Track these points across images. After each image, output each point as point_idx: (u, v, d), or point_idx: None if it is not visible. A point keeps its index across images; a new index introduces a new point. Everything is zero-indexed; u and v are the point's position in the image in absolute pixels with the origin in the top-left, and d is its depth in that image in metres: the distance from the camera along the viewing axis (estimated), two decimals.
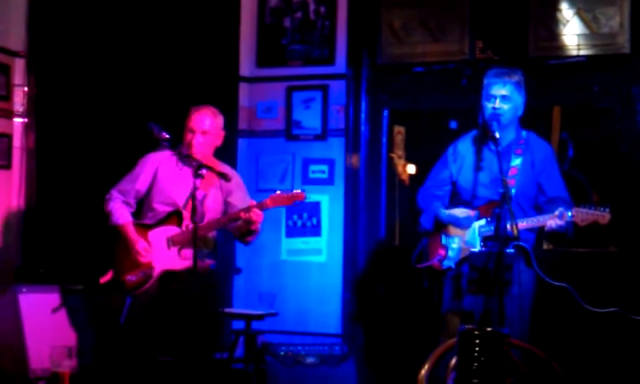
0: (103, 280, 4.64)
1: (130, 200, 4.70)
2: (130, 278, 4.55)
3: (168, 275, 4.56)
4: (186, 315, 4.48)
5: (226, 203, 4.73)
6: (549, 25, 5.61)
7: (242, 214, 4.43)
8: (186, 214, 4.51)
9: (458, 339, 2.86)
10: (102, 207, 4.69)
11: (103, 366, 4.81)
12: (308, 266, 6.02)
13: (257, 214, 4.43)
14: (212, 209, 4.65)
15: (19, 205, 6.01)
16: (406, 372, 3.84)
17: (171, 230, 4.59)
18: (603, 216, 4.07)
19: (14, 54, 5.97)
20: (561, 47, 5.60)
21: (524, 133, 4.44)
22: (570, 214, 4.09)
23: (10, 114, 5.95)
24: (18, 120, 5.98)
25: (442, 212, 4.48)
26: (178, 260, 4.55)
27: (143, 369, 4.55)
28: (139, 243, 4.56)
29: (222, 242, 5.10)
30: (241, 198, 4.71)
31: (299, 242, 6.03)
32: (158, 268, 4.55)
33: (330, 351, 5.18)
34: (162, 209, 4.64)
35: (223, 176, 4.46)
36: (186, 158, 4.47)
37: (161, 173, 4.68)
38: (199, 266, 4.44)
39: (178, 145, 4.51)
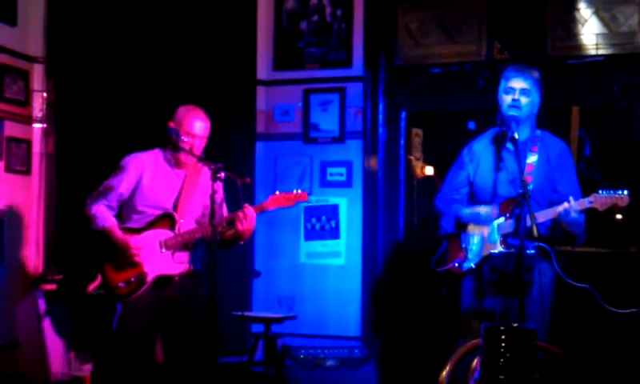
0: (92, 287, 4.42)
1: (113, 204, 4.46)
2: (121, 285, 4.33)
3: (161, 280, 4.38)
4: (186, 320, 4.36)
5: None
6: (567, 24, 5.59)
7: (241, 213, 4.25)
8: (178, 217, 4.41)
9: (484, 335, 2.83)
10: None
11: (99, 372, 4.66)
12: (327, 269, 6.01)
13: (251, 217, 4.29)
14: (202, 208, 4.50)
15: (39, 210, 6.04)
16: (426, 374, 3.83)
17: (163, 233, 4.40)
18: (622, 199, 4.01)
19: (33, 59, 6.00)
20: (579, 47, 5.57)
21: (538, 131, 4.41)
22: (589, 199, 4.04)
23: (29, 120, 5.98)
24: (37, 125, 6.01)
25: (462, 211, 4.45)
26: (173, 264, 4.39)
27: (139, 374, 4.37)
28: (131, 241, 4.33)
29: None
30: (223, 199, 4.57)
31: (318, 245, 6.03)
32: (152, 273, 4.35)
33: (350, 354, 5.15)
34: (149, 212, 4.43)
35: (242, 179, 4.42)
36: (179, 159, 4.41)
37: (146, 175, 4.46)
38: (189, 270, 4.40)
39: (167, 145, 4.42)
